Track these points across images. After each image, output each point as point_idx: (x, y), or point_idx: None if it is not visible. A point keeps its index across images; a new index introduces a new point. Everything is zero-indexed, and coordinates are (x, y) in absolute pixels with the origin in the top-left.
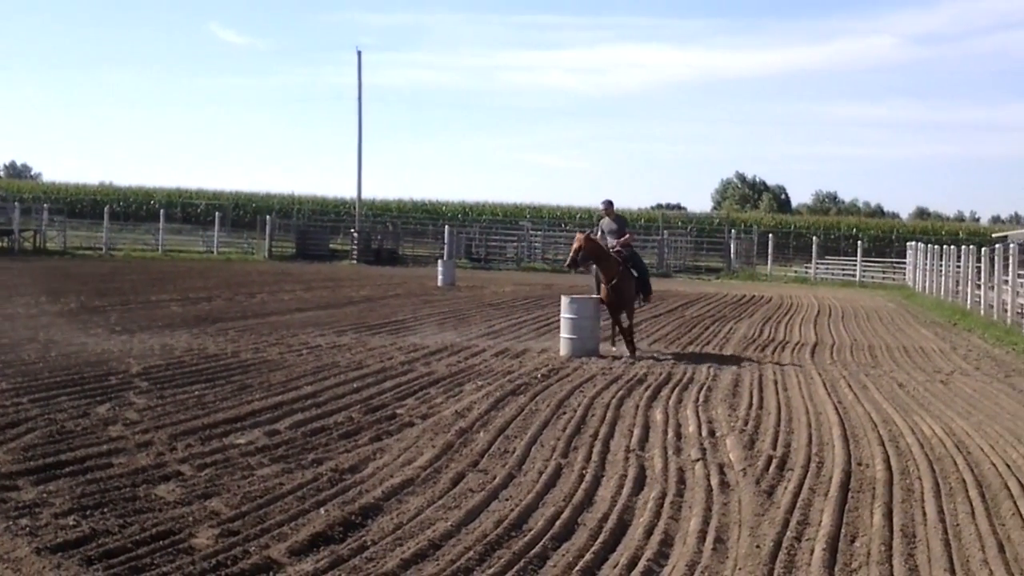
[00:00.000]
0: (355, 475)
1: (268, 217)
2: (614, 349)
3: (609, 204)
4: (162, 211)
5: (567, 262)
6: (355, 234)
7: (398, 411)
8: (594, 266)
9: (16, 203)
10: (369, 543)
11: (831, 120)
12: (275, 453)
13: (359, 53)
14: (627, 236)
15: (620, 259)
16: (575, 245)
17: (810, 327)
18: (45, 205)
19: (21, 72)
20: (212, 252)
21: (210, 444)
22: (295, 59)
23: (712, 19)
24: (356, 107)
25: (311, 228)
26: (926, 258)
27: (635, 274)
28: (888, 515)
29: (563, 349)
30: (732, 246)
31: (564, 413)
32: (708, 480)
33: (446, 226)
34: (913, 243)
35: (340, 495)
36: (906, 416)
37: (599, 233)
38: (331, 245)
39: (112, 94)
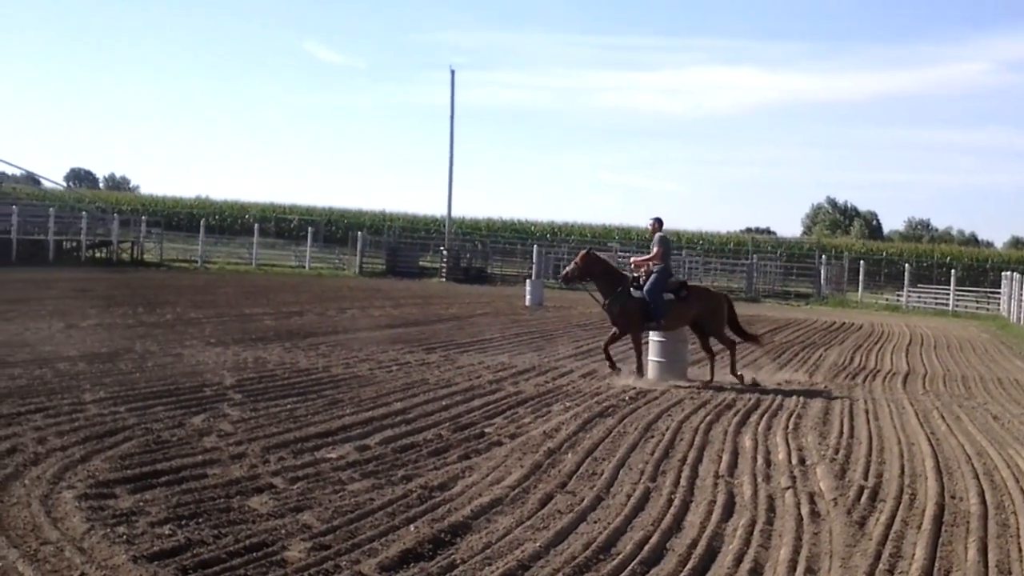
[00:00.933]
0: (444, 493)
1: (360, 233)
2: (611, 372)
3: (653, 221)
4: (256, 225)
5: (560, 276)
6: (444, 252)
7: (487, 430)
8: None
9: (115, 215)
10: (458, 561)
11: (924, 146)
12: (365, 468)
13: (452, 72)
14: (645, 257)
15: (627, 279)
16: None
17: (902, 356)
18: (143, 217)
19: (122, 87)
20: (304, 267)
21: (302, 457)
22: (389, 77)
23: (803, 42)
24: (448, 125)
25: (401, 245)
26: (1021, 288)
27: (638, 295)
28: (983, 550)
29: (651, 372)
30: (822, 272)
31: (652, 436)
32: (798, 509)
33: (535, 246)
34: (1008, 273)
35: (429, 512)
36: (1001, 449)
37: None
38: (421, 262)
39: (210, 110)
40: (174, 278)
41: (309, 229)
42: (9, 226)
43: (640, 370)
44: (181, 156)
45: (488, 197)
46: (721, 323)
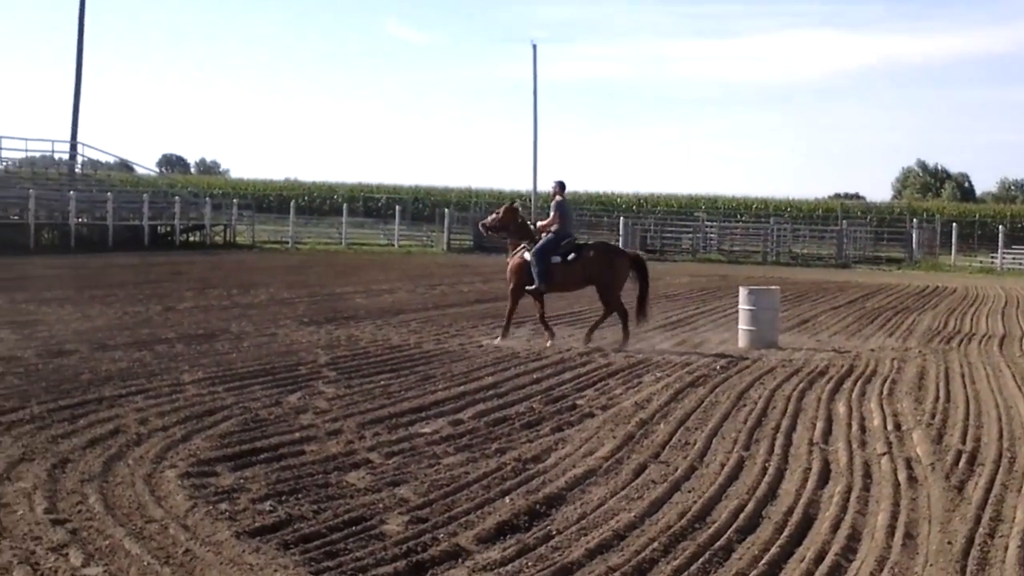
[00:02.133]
0: (538, 465)
1: (447, 210)
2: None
3: (555, 185)
4: (345, 205)
5: (480, 223)
6: (532, 226)
7: (578, 402)
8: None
9: (207, 199)
10: (554, 532)
11: (1016, 105)
12: (459, 442)
13: (534, 46)
14: (544, 222)
15: (532, 239)
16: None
17: (997, 319)
18: (234, 200)
19: (210, 73)
20: (393, 245)
21: (397, 433)
22: (472, 54)
23: (888, 3)
24: (531, 100)
25: None
26: None
27: (527, 257)
28: None
29: (741, 341)
30: (914, 236)
31: (744, 405)
32: (895, 474)
33: (621, 218)
34: None
35: (524, 484)
36: None
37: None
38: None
39: (296, 93)
40: (266, 259)
41: (396, 207)
42: (105, 213)
43: (505, 332)
44: (270, 139)
45: (574, 170)
46: (611, 289)
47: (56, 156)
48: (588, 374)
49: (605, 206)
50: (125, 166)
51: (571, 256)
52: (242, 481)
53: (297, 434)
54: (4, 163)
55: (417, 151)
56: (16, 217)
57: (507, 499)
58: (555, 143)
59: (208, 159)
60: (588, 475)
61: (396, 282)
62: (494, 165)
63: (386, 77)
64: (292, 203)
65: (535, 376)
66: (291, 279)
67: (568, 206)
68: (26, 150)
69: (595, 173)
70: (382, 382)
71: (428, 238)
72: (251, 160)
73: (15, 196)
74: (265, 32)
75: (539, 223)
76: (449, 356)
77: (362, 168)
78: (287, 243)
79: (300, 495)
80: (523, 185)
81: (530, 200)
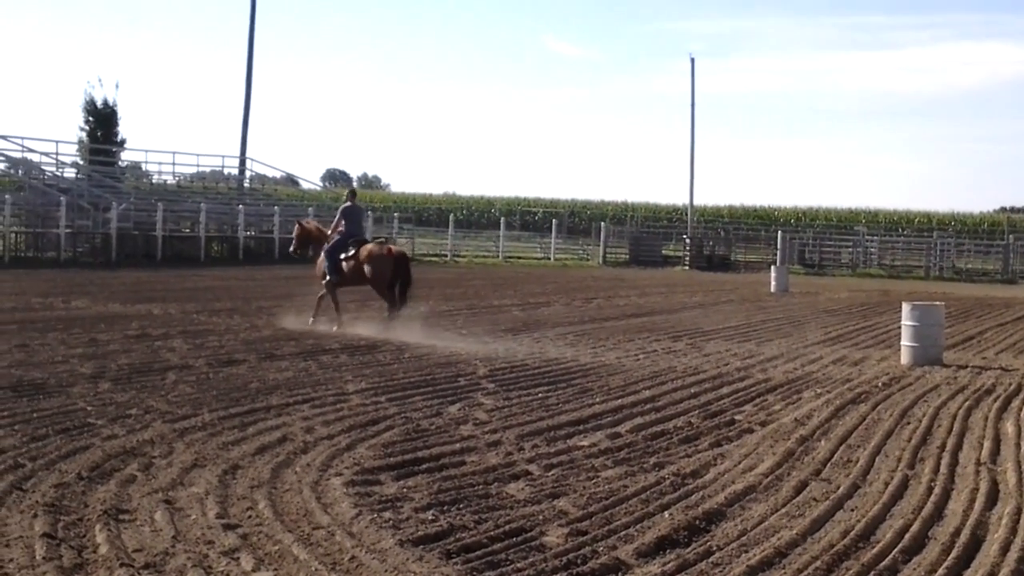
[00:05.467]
0: (697, 480)
1: (603, 224)
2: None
3: (347, 193)
4: (502, 219)
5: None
6: (687, 240)
7: (736, 417)
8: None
9: (368, 212)
10: (714, 548)
11: None
12: (618, 456)
13: (692, 59)
14: (332, 226)
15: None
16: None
17: None
18: (395, 214)
19: (371, 90)
20: (549, 258)
21: (555, 445)
22: (627, 68)
23: None
24: (688, 113)
25: (644, 234)
26: None
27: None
28: None
29: (904, 357)
30: None
31: (908, 423)
32: None
33: (779, 231)
34: None
35: (683, 499)
36: None
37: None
38: (663, 251)
39: (454, 108)
40: (425, 272)
41: (553, 221)
42: (272, 226)
43: (313, 318)
44: (429, 154)
45: (730, 184)
46: (377, 282)
47: (226, 171)
48: (746, 389)
49: (763, 220)
50: (291, 180)
51: (350, 253)
52: (405, 490)
53: (457, 445)
54: (177, 178)
55: (574, 165)
56: (188, 230)
57: (666, 514)
58: (712, 156)
59: (370, 174)
60: (748, 491)
61: (552, 295)
62: (650, 178)
63: (544, 91)
64: (451, 217)
65: (692, 391)
66: (450, 291)
67: (355, 209)
68: (198, 165)
69: (753, 186)
70: (540, 394)
71: (584, 251)
72: (411, 174)
73: (187, 210)
74: (425, 50)
75: (329, 229)
76: (606, 369)
77: (519, 182)
78: (446, 256)
79: (461, 505)
80: (680, 198)
81: (686, 213)
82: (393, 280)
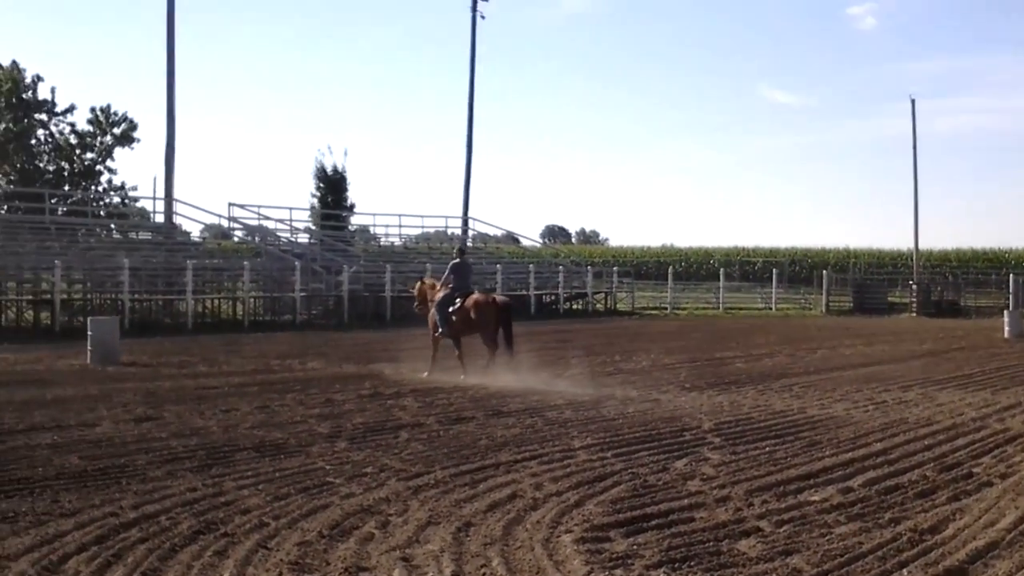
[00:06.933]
0: (936, 536)
1: (824, 272)
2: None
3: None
4: (721, 270)
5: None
6: (914, 286)
7: (974, 469)
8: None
9: (588, 267)
10: None
11: None
12: (851, 511)
13: (912, 101)
14: (441, 281)
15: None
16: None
17: None
18: (614, 268)
19: (586, 148)
20: (770, 308)
21: (785, 500)
22: (844, 113)
23: None
24: (911, 156)
25: (868, 281)
26: None
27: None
28: None
29: None
30: None
31: None
32: None
33: (1010, 274)
34: None
35: (922, 556)
36: None
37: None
38: (889, 298)
39: (668, 160)
40: (646, 325)
41: (773, 270)
42: (495, 284)
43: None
44: (645, 207)
45: (957, 226)
46: (483, 328)
47: (449, 231)
48: (983, 440)
49: (993, 263)
50: (511, 238)
51: (456, 307)
52: (635, 547)
53: (686, 500)
54: (404, 239)
55: (792, 212)
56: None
57: (905, 571)
58: (936, 198)
59: (588, 228)
60: (991, 547)
61: (775, 346)
62: (872, 224)
63: (759, 139)
64: (670, 269)
65: (926, 442)
66: (671, 344)
67: (464, 265)
68: (423, 227)
69: (981, 228)
70: (767, 448)
71: (806, 300)
72: (629, 227)
73: (414, 270)
74: (637, 104)
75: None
76: (835, 421)
77: (738, 232)
78: (666, 309)
79: (693, 563)
80: (904, 243)
81: (911, 258)
82: (496, 327)
